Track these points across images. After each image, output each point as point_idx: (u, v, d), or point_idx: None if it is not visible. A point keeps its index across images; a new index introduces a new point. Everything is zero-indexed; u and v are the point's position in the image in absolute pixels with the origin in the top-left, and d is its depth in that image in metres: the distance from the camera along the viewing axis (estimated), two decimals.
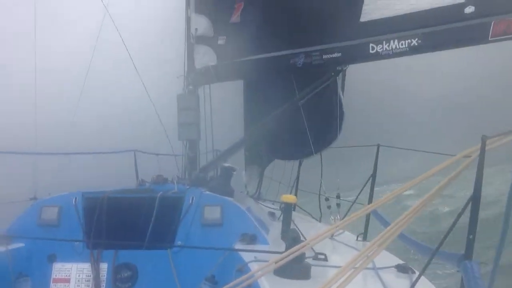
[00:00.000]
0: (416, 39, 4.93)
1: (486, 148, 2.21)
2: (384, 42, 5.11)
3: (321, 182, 6.05)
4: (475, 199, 2.18)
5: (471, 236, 2.19)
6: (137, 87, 6.63)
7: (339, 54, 5.48)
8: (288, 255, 2.58)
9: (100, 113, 12.40)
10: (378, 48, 5.15)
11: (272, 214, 5.80)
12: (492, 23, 4.31)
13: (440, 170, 2.50)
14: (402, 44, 5.01)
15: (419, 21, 4.95)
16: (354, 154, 6.35)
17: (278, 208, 5.89)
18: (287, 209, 4.09)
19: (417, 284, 2.42)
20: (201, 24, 6.64)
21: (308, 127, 5.85)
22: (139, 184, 5.88)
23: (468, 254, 2.22)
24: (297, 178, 6.61)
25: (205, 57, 6.53)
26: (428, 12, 4.91)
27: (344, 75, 5.98)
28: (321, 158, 6.22)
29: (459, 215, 2.23)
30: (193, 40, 6.60)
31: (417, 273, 3.26)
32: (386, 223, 4.00)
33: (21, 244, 4.12)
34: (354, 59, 5.58)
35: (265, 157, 6.97)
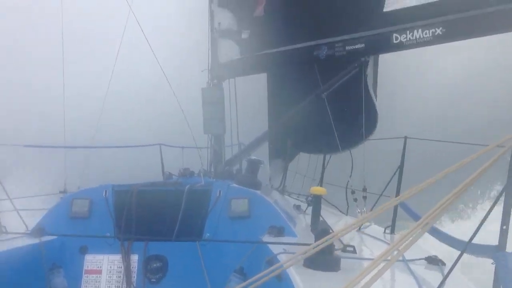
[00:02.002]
0: (440, 28, 4.84)
1: None
2: (408, 31, 5.02)
3: (349, 178, 5.91)
4: (509, 189, 2.14)
5: (504, 227, 2.16)
6: (162, 82, 6.66)
7: (362, 45, 5.40)
8: (317, 246, 2.58)
9: (126, 108, 12.60)
10: (402, 38, 5.06)
11: (298, 207, 5.80)
12: None
13: (471, 161, 2.46)
14: (426, 33, 4.91)
15: (443, 10, 4.86)
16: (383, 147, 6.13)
17: (304, 200, 5.88)
18: (317, 201, 4.08)
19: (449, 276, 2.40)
20: (225, 18, 6.66)
21: (335, 122, 5.70)
22: (166, 177, 5.96)
23: (501, 245, 2.19)
24: (322, 171, 6.56)
25: (229, 51, 6.56)
26: (452, 0, 4.83)
27: (376, 68, 5.79)
28: (351, 156, 6.05)
29: (493, 206, 2.19)
30: (216, 34, 6.63)
31: (447, 265, 3.23)
32: (415, 216, 3.95)
33: (54, 236, 4.23)
34: (378, 50, 5.48)
35: (289, 151, 6.95)
